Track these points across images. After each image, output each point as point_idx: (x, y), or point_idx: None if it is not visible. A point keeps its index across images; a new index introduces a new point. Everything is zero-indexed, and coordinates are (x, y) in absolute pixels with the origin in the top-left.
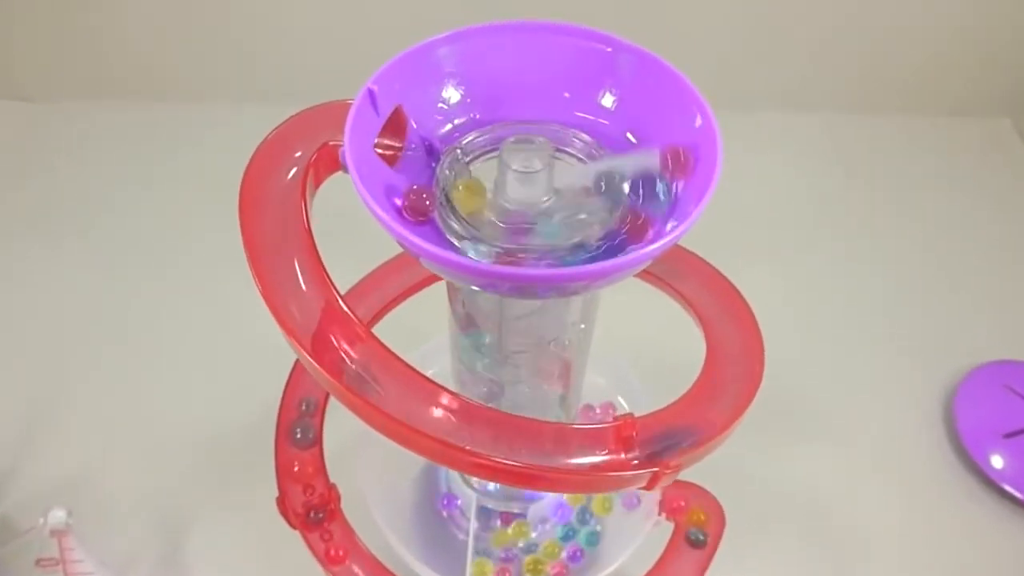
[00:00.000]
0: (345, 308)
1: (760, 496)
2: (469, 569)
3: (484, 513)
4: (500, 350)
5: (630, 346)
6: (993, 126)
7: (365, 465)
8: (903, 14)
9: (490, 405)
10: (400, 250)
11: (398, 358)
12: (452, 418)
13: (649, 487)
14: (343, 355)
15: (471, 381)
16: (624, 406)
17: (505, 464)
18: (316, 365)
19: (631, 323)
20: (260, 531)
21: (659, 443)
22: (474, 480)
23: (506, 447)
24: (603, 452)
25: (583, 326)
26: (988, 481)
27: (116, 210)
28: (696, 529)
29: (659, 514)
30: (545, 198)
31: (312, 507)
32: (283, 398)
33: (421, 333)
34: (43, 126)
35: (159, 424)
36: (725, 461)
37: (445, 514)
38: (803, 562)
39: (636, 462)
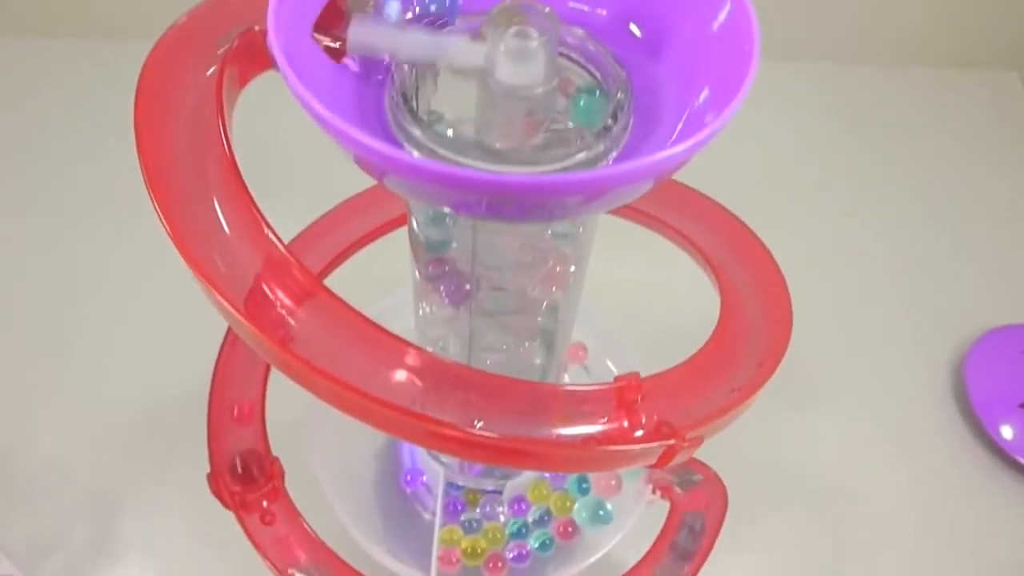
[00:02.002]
0: (284, 251)
1: (760, 470)
2: (436, 540)
3: (453, 491)
4: (473, 305)
5: (623, 304)
6: (1000, 79)
7: (316, 441)
8: None
9: None
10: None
11: (351, 309)
12: (418, 382)
13: (660, 464)
14: (283, 312)
15: (437, 346)
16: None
17: (481, 437)
18: (250, 327)
19: (624, 278)
20: (199, 512)
21: (672, 410)
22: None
23: (482, 415)
24: (602, 421)
25: (573, 268)
26: (1001, 453)
27: (34, 157)
28: (694, 513)
29: (652, 492)
30: (543, 83)
31: (250, 482)
32: (216, 365)
33: (375, 290)
34: None
35: (86, 395)
36: (720, 433)
37: (409, 491)
38: (807, 537)
39: (642, 433)
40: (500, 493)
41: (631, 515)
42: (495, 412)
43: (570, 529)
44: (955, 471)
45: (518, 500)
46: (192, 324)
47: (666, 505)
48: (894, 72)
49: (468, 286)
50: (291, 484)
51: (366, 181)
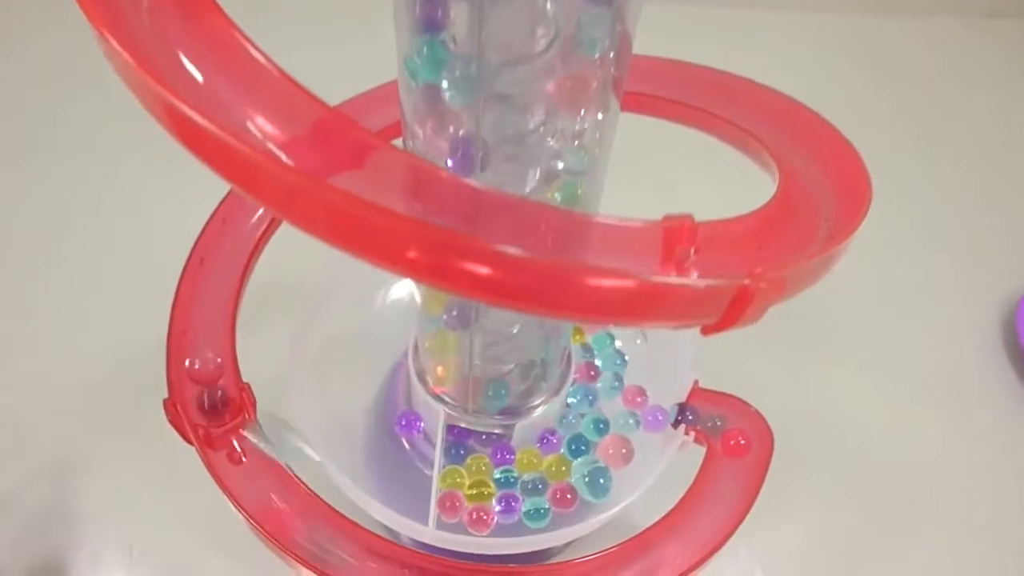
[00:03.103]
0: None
1: (798, 426)
2: (435, 481)
3: (455, 435)
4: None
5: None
6: None
7: (298, 387)
8: None
9: None
10: None
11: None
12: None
13: (729, 318)
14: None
15: None
16: None
17: (500, 253)
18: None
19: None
20: (167, 465)
21: (736, 265)
22: (446, 390)
23: (501, 233)
24: (650, 257)
25: (599, 136)
26: None
27: None
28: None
29: (685, 434)
30: None
31: (215, 413)
32: (181, 281)
33: None
34: None
35: (45, 351)
36: (755, 385)
37: (404, 439)
38: (848, 498)
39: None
40: (508, 438)
41: (660, 461)
42: (504, 234)
43: (568, 496)
44: (1006, 428)
45: (543, 436)
46: (158, 275)
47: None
48: (923, 22)
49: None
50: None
51: None
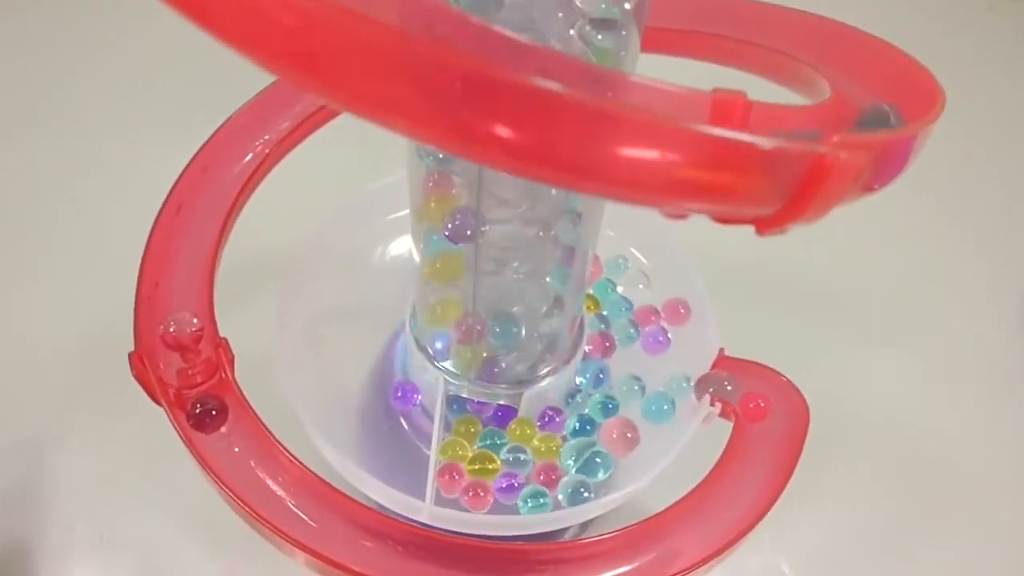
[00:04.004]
0: None
1: (830, 410)
2: (434, 453)
3: (456, 404)
4: None
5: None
6: None
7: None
8: None
9: None
10: None
11: None
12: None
13: (801, 203)
14: None
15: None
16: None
17: (542, 88)
18: None
19: None
20: (143, 443)
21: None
22: (445, 357)
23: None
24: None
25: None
26: None
27: None
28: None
29: (711, 405)
30: None
31: (188, 371)
32: (153, 228)
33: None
34: None
35: (16, 314)
36: (782, 366)
37: (400, 414)
38: (883, 487)
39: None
40: (515, 409)
41: (684, 433)
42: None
43: (553, 477)
44: None
45: (544, 414)
46: (136, 242)
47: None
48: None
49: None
50: None
51: None
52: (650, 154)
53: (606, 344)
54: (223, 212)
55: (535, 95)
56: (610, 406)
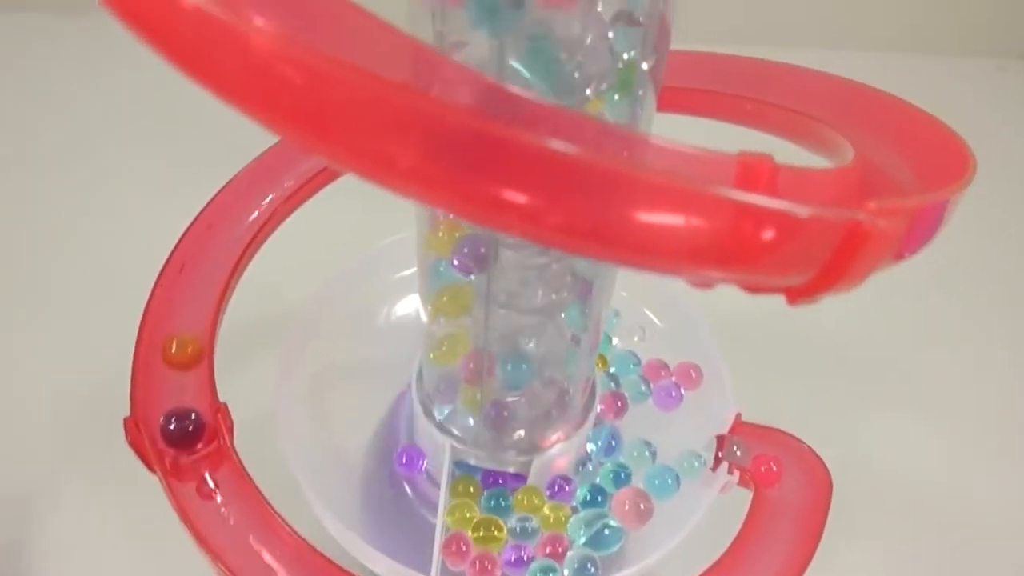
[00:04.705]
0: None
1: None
2: (440, 522)
3: (463, 472)
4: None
5: None
6: None
7: (287, 420)
8: None
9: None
10: None
11: None
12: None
13: (836, 272)
14: None
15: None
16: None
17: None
18: None
19: None
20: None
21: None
22: (454, 423)
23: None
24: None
25: (640, 110)
26: None
27: None
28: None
29: (729, 473)
30: None
31: (184, 436)
32: (154, 288)
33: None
34: None
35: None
36: (802, 431)
37: (405, 481)
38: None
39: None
40: (524, 477)
41: (699, 506)
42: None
43: (560, 549)
44: None
45: (554, 483)
46: (138, 300)
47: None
48: (959, 62)
49: None
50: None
51: None
52: (678, 221)
53: (618, 404)
54: (226, 272)
55: (551, 158)
56: (622, 475)
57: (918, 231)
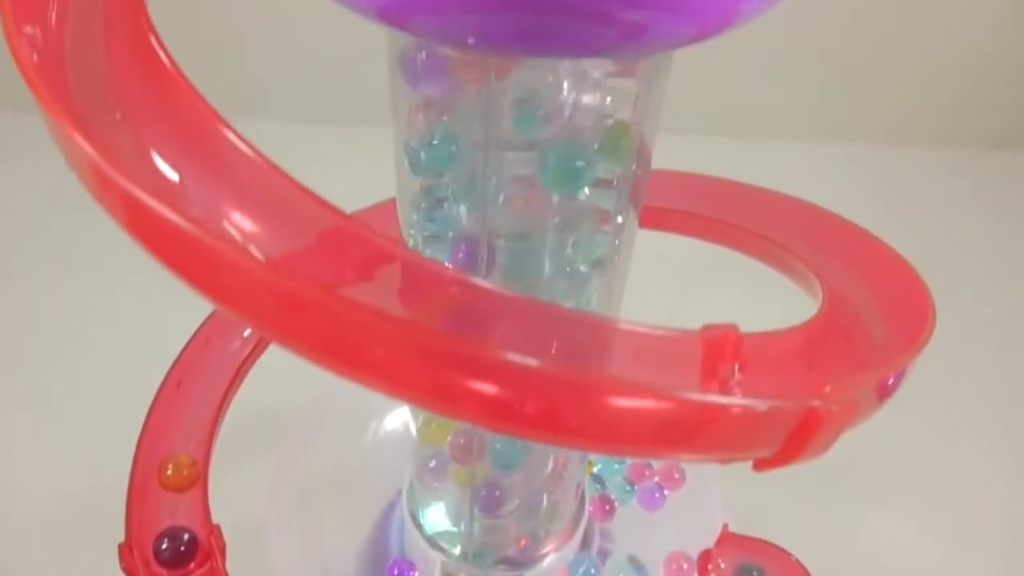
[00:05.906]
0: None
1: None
2: None
3: None
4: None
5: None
6: None
7: (278, 531)
8: (941, 40)
9: None
10: None
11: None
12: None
13: (790, 449)
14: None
15: None
16: None
17: (516, 364)
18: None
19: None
20: None
21: (782, 377)
22: (442, 537)
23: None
24: (686, 375)
25: (620, 220)
26: None
27: None
28: None
29: None
30: None
31: (177, 556)
32: (150, 412)
33: None
34: None
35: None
36: (780, 532)
37: None
38: None
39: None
40: None
41: None
42: (526, 344)
43: None
44: None
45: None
46: (137, 407)
47: None
48: (930, 152)
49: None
50: None
51: None
52: (642, 421)
53: (606, 507)
54: (222, 389)
55: (511, 369)
56: None
57: (879, 394)
